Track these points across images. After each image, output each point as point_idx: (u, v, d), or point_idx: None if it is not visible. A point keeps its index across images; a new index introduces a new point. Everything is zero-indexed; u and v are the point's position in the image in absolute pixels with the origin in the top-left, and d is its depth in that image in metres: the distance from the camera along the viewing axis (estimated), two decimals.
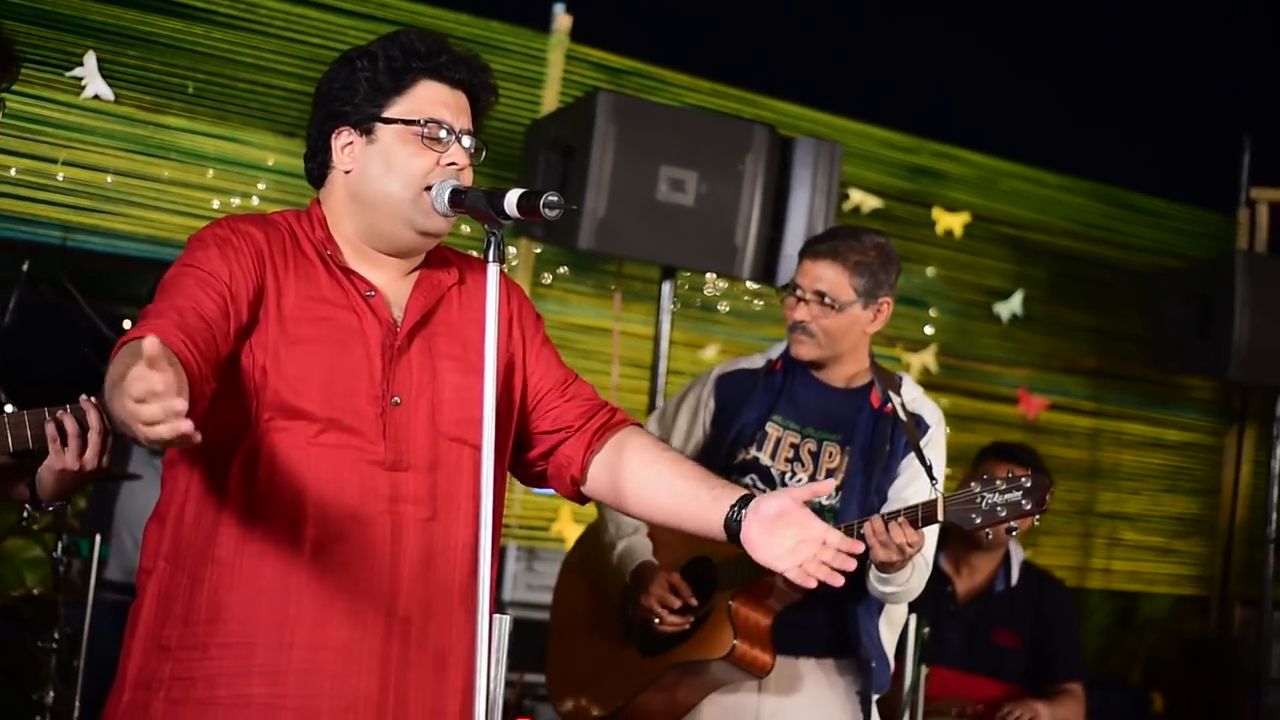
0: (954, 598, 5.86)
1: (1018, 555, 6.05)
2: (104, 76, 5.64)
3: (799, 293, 4.37)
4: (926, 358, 7.28)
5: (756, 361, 4.62)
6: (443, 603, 3.05)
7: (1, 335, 5.63)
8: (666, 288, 5.99)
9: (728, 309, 7.00)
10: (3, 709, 5.53)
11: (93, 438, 3.29)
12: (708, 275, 6.53)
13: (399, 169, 3.03)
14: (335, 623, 2.95)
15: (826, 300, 4.33)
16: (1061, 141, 7.89)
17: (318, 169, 3.15)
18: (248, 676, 2.91)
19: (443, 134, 3.03)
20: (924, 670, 4.67)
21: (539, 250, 6.53)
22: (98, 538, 5.29)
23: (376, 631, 2.98)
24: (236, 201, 5.99)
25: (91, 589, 5.17)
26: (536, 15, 6.69)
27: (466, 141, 3.07)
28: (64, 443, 3.27)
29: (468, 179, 3.06)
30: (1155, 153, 8.07)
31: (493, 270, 2.84)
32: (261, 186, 6.04)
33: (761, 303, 7.06)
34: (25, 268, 5.63)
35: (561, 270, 6.66)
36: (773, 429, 4.45)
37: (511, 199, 2.86)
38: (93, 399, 3.29)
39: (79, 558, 5.42)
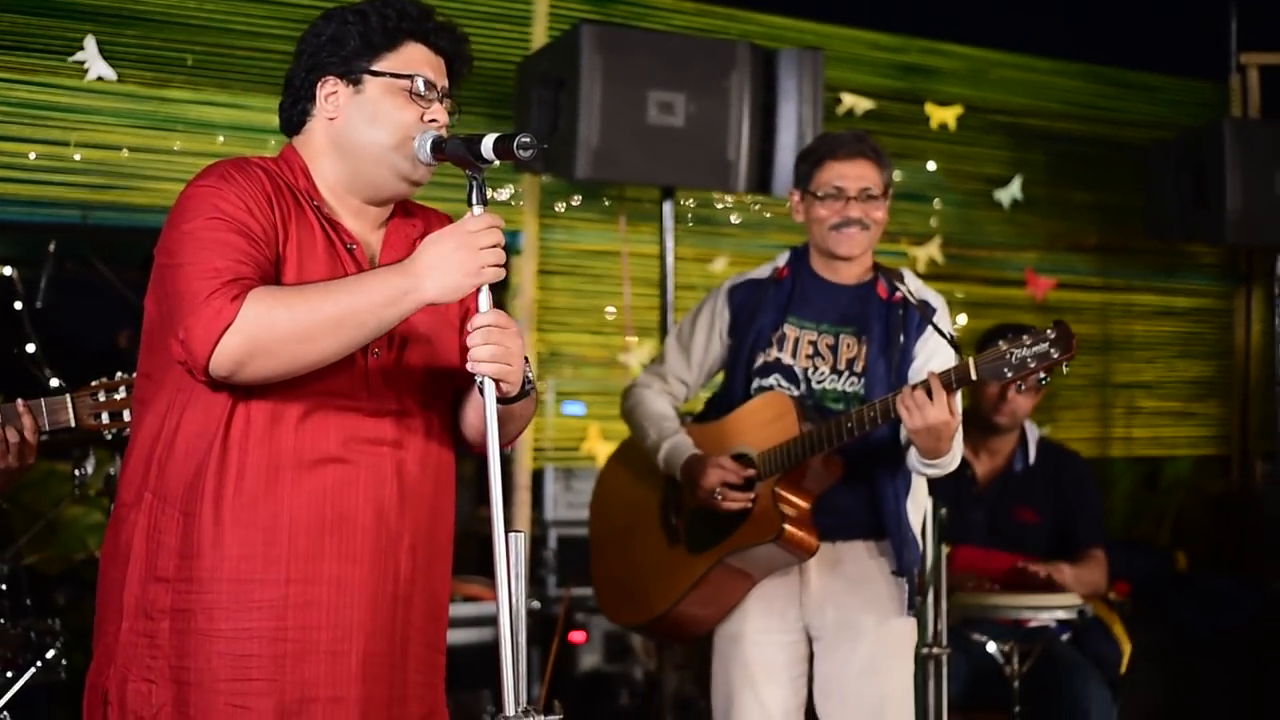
0: (974, 480, 6.00)
1: (1034, 434, 6.20)
2: (105, 58, 5.81)
3: (843, 194, 4.62)
4: (932, 250, 7.41)
5: (763, 271, 4.85)
6: (428, 527, 3.24)
7: (38, 315, 5.83)
8: (667, 207, 6.19)
9: (739, 220, 7.12)
10: (77, 666, 5.74)
11: (26, 438, 3.56)
12: (707, 190, 6.68)
13: (386, 120, 3.18)
14: (328, 555, 3.09)
15: (871, 194, 4.62)
16: (1048, 26, 7.95)
17: (298, 116, 3.26)
18: (247, 610, 3.05)
19: (429, 91, 3.20)
20: (944, 550, 4.86)
21: (546, 180, 6.66)
22: None
23: (368, 562, 3.13)
24: None
25: None
26: None
27: (447, 102, 3.24)
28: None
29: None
30: (1143, 27, 8.10)
31: (477, 212, 3.01)
32: (272, 146, 6.16)
33: (770, 213, 7.19)
34: (51, 248, 5.83)
35: (574, 200, 6.80)
36: (790, 330, 4.69)
37: (488, 143, 3.01)
38: (27, 402, 3.57)
39: None
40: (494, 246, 2.98)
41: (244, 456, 3.06)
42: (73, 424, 3.66)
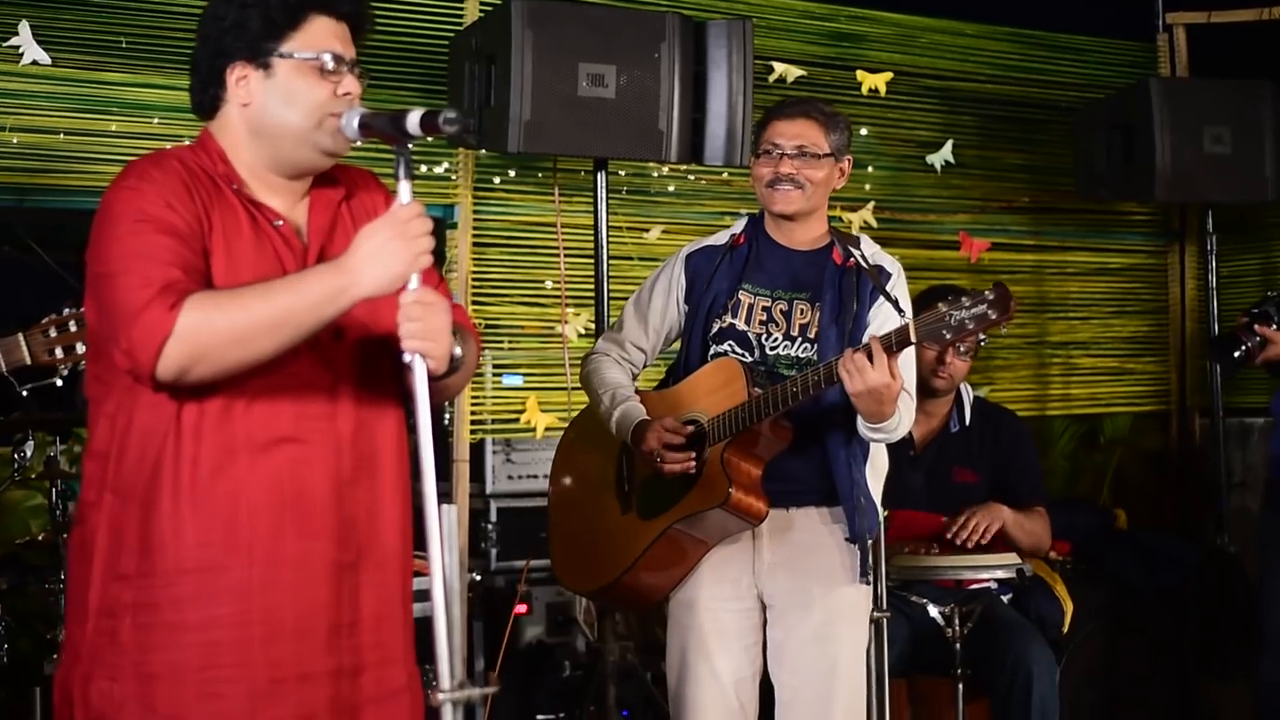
0: (912, 443, 6.04)
1: (969, 394, 6.25)
2: (40, 42, 5.84)
3: (778, 150, 4.66)
4: (865, 215, 7.45)
5: (720, 238, 4.88)
6: (382, 502, 3.28)
7: None
8: (600, 179, 6.23)
9: (673, 190, 7.16)
10: (20, 649, 5.78)
11: None
12: (639, 161, 6.72)
13: (299, 101, 3.21)
14: (288, 536, 3.14)
15: (808, 152, 4.65)
16: None
17: (209, 100, 3.29)
18: (214, 597, 3.08)
19: (337, 66, 3.23)
20: (883, 514, 4.90)
21: (482, 153, 6.70)
22: None
23: (327, 538, 3.18)
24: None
25: None
26: None
27: (356, 71, 3.27)
28: None
29: (359, 105, 3.25)
30: None
31: (404, 188, 3.05)
32: None
33: (704, 181, 7.23)
34: None
35: (509, 173, 6.83)
36: (744, 296, 4.72)
37: (413, 119, 3.05)
38: None
39: (74, 501, 5.64)
40: (424, 233, 3.04)
41: (198, 445, 3.10)
42: (28, 361, 3.67)
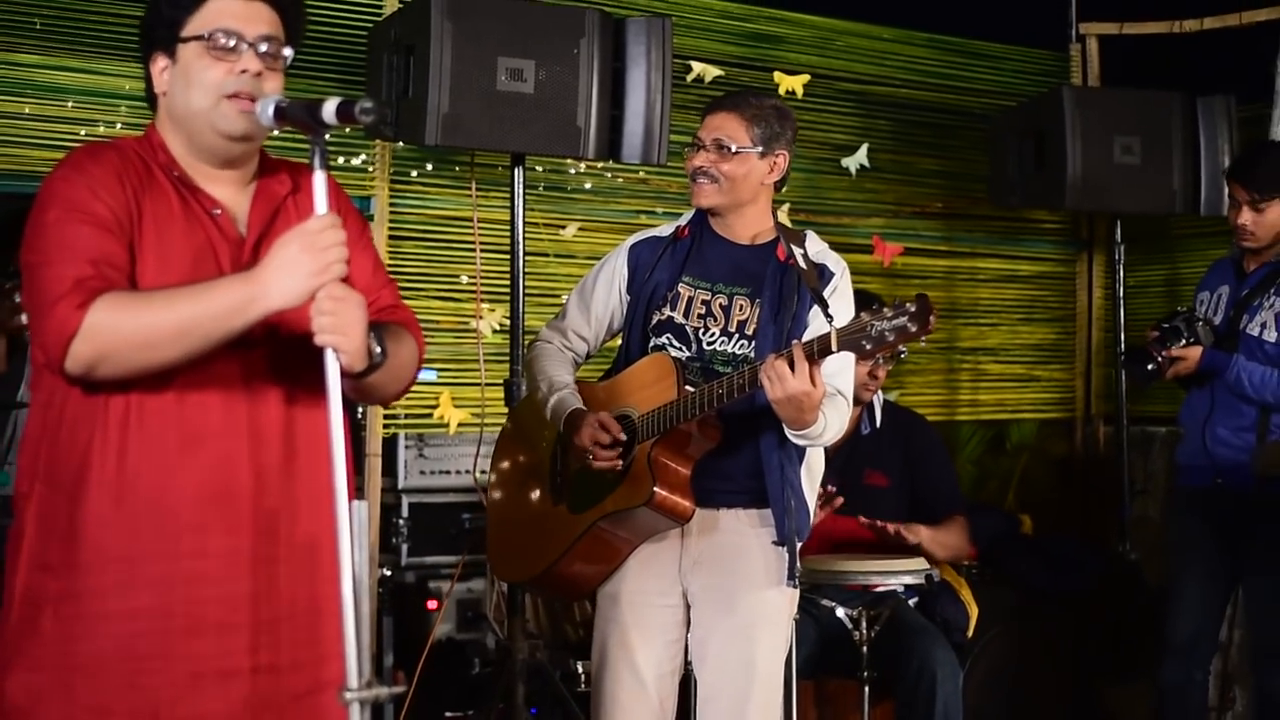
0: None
1: (879, 398, 6.31)
2: None
3: (698, 144, 4.65)
4: (781, 216, 7.40)
5: (665, 230, 4.86)
6: (308, 497, 3.25)
7: None
8: (517, 174, 6.21)
9: (589, 187, 7.16)
10: None
11: None
12: (557, 157, 6.72)
13: (196, 83, 3.18)
14: (212, 529, 3.13)
15: (724, 146, 4.61)
16: None
17: (150, 95, 3.32)
18: (136, 589, 3.08)
19: (230, 43, 3.18)
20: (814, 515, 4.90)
21: (399, 147, 6.67)
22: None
23: (254, 531, 3.17)
24: (101, 129, 6.08)
25: None
26: None
27: (264, 48, 3.21)
28: None
29: (272, 85, 3.22)
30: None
31: (318, 177, 3.04)
32: (123, 112, 6.13)
33: (621, 179, 7.23)
34: None
35: (426, 166, 6.80)
36: (684, 289, 4.69)
37: (329, 108, 3.02)
38: None
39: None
40: (336, 245, 3.02)
41: (126, 436, 3.10)
42: None
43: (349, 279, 3.11)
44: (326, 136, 3.07)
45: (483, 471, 6.12)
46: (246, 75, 3.20)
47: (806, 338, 4.30)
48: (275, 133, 3.28)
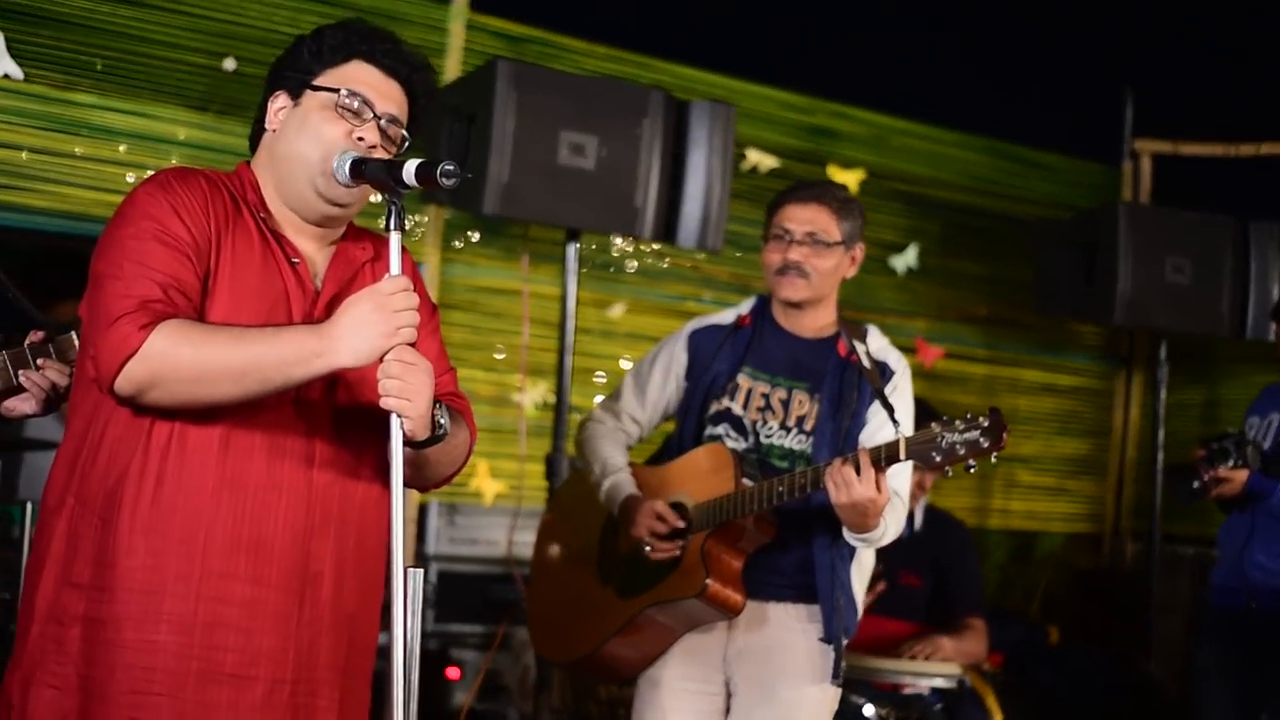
0: None
1: (921, 502, 6.27)
2: (14, 56, 5.73)
3: (788, 236, 4.54)
4: None
5: (726, 317, 4.78)
6: (354, 560, 3.18)
7: None
8: (571, 249, 6.16)
9: (637, 268, 7.13)
10: None
11: (56, 380, 3.49)
12: (611, 236, 6.69)
13: (311, 131, 3.16)
14: (240, 578, 3.05)
15: (818, 239, 4.53)
16: (952, 98, 8.02)
17: (255, 135, 3.30)
18: (155, 623, 3.01)
19: (357, 105, 3.17)
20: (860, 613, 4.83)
21: (448, 216, 6.64)
22: (29, 505, 5.38)
23: (284, 589, 3.09)
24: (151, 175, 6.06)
25: (25, 555, 5.25)
26: None
27: (385, 124, 3.19)
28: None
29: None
30: (1042, 107, 8.21)
31: (394, 239, 3.00)
32: (173, 160, 6.10)
33: (667, 262, 7.20)
34: None
35: (472, 236, 6.77)
36: (743, 380, 4.61)
37: (410, 169, 2.98)
38: (36, 343, 3.50)
39: (11, 525, 5.49)
40: (408, 309, 2.98)
41: (165, 467, 3.03)
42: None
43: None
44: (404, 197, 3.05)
45: (516, 543, 6.07)
46: (363, 144, 3.18)
47: (873, 441, 4.25)
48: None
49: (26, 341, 3.51)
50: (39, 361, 3.48)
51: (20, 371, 3.47)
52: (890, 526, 4.34)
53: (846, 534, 4.35)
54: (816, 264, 4.56)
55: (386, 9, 6.45)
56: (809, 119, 7.64)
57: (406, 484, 3.14)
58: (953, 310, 8.02)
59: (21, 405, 3.52)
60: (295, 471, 3.12)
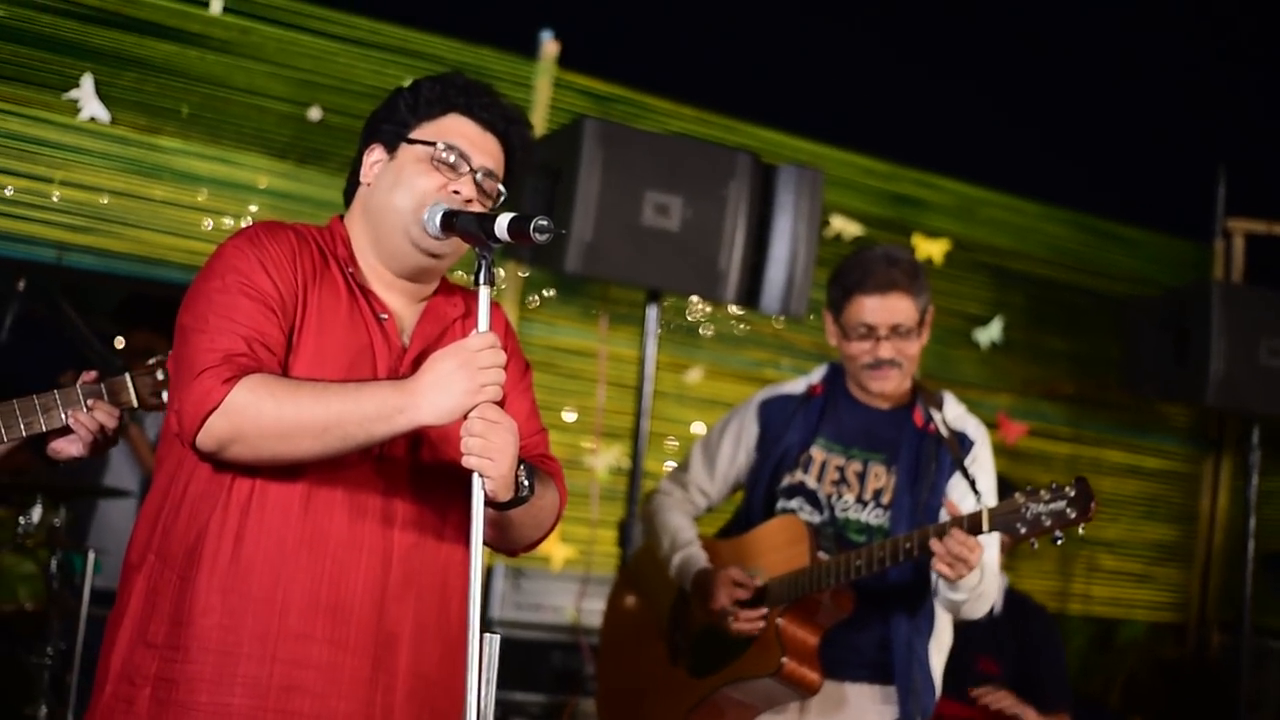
0: None
1: (1002, 582, 6.10)
2: (100, 98, 5.71)
3: (873, 333, 4.37)
4: None
5: (798, 386, 4.65)
6: (429, 623, 3.09)
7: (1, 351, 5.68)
8: (652, 311, 6.04)
9: (712, 333, 7.03)
10: None
11: (106, 422, 3.41)
12: (691, 299, 6.57)
13: (406, 184, 3.11)
14: (318, 641, 2.98)
15: (903, 330, 4.38)
16: (1040, 170, 7.96)
17: (350, 188, 3.26)
18: (230, 685, 2.94)
19: (453, 159, 3.12)
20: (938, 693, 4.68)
21: (525, 274, 6.56)
22: (91, 554, 5.33)
23: (361, 652, 3.01)
24: (229, 222, 6.05)
25: (85, 604, 5.20)
26: (525, 42, 6.77)
27: (481, 177, 3.14)
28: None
29: None
30: (1133, 182, 8.14)
31: (484, 293, 2.92)
32: (253, 208, 6.09)
33: (746, 326, 7.10)
34: (21, 286, 5.69)
35: (548, 293, 6.70)
36: (817, 452, 4.48)
37: (502, 223, 2.91)
38: (88, 383, 3.41)
39: (73, 573, 5.45)
40: (494, 366, 2.89)
41: (245, 523, 2.98)
42: (135, 403, 3.50)
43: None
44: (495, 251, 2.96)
45: (584, 611, 5.94)
46: (458, 197, 3.11)
47: (957, 508, 4.08)
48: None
49: (79, 381, 3.44)
50: (90, 402, 3.41)
51: (69, 412, 3.39)
52: (988, 586, 4.18)
53: (943, 589, 4.18)
54: (907, 352, 4.41)
55: (473, 64, 6.44)
56: (894, 186, 7.56)
57: (491, 546, 3.08)
58: (1037, 386, 7.90)
59: (69, 447, 3.45)
60: (376, 530, 3.05)
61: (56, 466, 3.52)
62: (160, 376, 3.54)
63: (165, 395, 3.54)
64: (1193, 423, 8.33)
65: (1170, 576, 8.29)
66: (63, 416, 3.40)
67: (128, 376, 3.50)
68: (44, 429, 3.40)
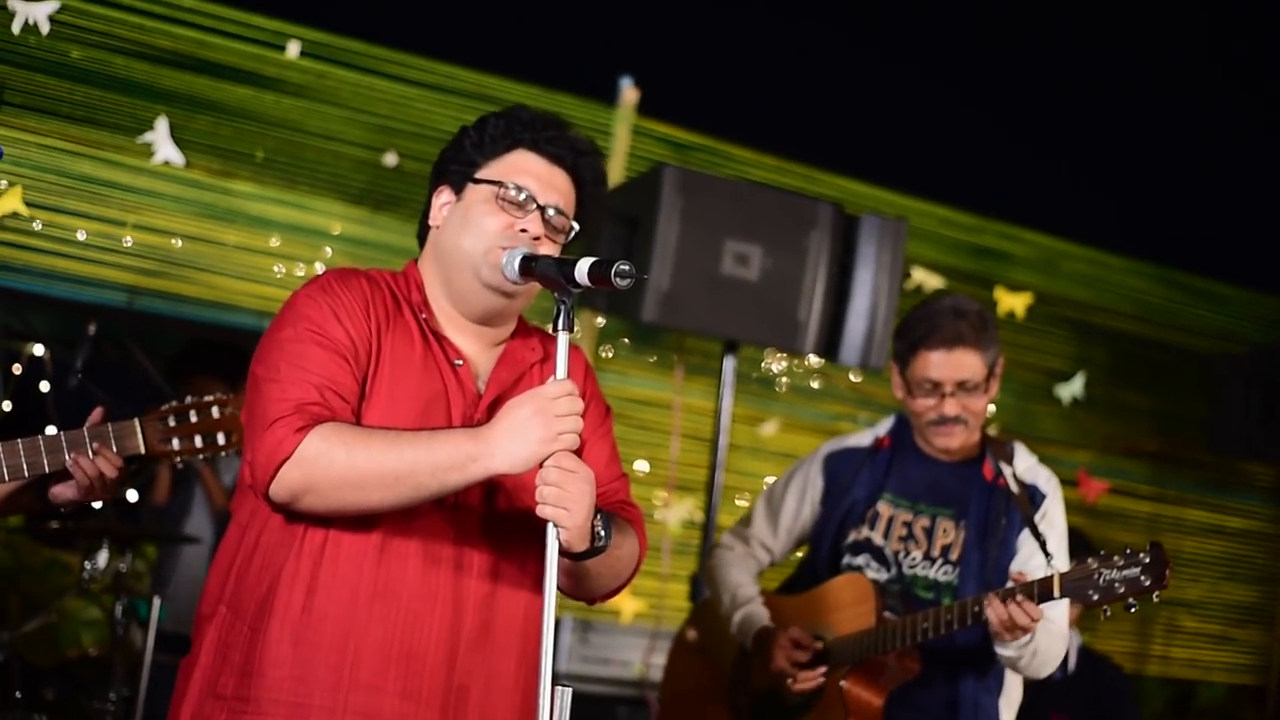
0: None
1: (1075, 641, 5.99)
2: (174, 141, 5.69)
3: (939, 390, 4.25)
4: None
5: (864, 439, 4.52)
6: (501, 675, 3.01)
7: (68, 397, 5.65)
8: (729, 362, 5.94)
9: (787, 385, 6.94)
10: None
11: (107, 471, 3.34)
12: (767, 351, 6.47)
13: (473, 225, 3.05)
14: (390, 691, 2.92)
15: (969, 386, 4.25)
16: (1124, 223, 7.87)
17: (422, 231, 3.20)
18: None
19: (521, 198, 3.04)
20: None
21: (601, 323, 6.50)
22: (156, 600, 5.28)
23: (432, 704, 2.94)
24: (301, 269, 6.01)
25: (149, 650, 5.15)
26: (604, 89, 6.72)
27: (550, 214, 3.06)
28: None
29: (547, 252, 3.04)
30: (1217, 236, 8.02)
31: (562, 339, 2.85)
32: (328, 253, 6.05)
33: (820, 381, 7.00)
34: (91, 330, 5.68)
35: (623, 342, 6.63)
36: (884, 507, 4.37)
37: (583, 267, 2.84)
38: (93, 429, 3.35)
39: (137, 619, 5.40)
40: (571, 414, 2.81)
41: (317, 573, 2.92)
42: (142, 450, 3.43)
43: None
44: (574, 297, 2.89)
45: (652, 665, 5.84)
46: (526, 236, 3.04)
47: (1030, 573, 3.94)
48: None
49: (87, 424, 3.37)
50: (95, 445, 3.34)
51: (72, 454, 3.33)
52: (1043, 649, 4.03)
53: (997, 648, 4.03)
54: (973, 408, 4.27)
55: (551, 111, 6.34)
56: (976, 238, 7.46)
57: (568, 595, 3.00)
58: (1118, 443, 7.77)
59: (65, 492, 3.39)
60: (449, 580, 2.98)
61: (57, 511, 3.46)
62: (172, 423, 3.48)
63: (175, 442, 3.49)
64: (1277, 482, 8.16)
65: (1251, 638, 8.14)
66: (66, 459, 3.34)
67: (136, 422, 3.44)
68: (46, 470, 3.33)
